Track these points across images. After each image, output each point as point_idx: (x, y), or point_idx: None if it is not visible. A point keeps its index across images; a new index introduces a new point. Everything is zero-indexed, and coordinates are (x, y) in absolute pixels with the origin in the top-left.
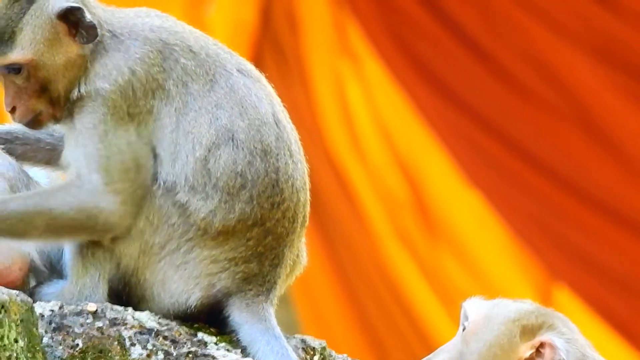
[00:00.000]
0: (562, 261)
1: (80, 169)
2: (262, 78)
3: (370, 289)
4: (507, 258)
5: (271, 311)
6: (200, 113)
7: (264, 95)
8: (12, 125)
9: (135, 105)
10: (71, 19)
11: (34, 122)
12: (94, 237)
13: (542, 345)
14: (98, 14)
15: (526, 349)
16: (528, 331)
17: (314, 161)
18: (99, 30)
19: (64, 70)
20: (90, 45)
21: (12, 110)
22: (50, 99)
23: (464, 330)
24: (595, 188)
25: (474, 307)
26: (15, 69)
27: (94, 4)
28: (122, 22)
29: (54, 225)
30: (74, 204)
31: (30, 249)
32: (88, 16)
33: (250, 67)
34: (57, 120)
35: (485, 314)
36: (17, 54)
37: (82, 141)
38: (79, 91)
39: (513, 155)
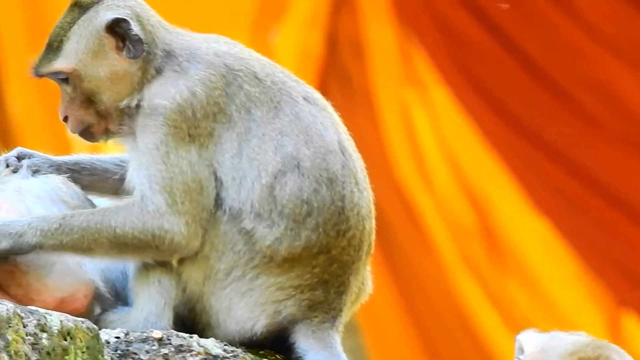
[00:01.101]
0: (630, 288)
1: (144, 191)
2: (328, 106)
3: (437, 317)
4: (575, 286)
5: (337, 338)
6: (263, 140)
7: (329, 123)
8: (80, 156)
9: (195, 127)
10: (118, 31)
11: (86, 134)
12: (160, 257)
13: None
14: (155, 32)
15: None
16: None
17: (381, 189)
18: (152, 47)
19: (109, 84)
20: (141, 62)
21: (65, 119)
22: (97, 111)
23: None
24: None
25: (530, 340)
26: (63, 78)
27: (153, 21)
28: (185, 45)
29: (117, 243)
30: (137, 225)
31: (95, 276)
32: (135, 29)
33: (316, 95)
34: (111, 134)
35: (541, 347)
36: (61, 63)
37: (145, 162)
38: (132, 107)
39: (580, 183)
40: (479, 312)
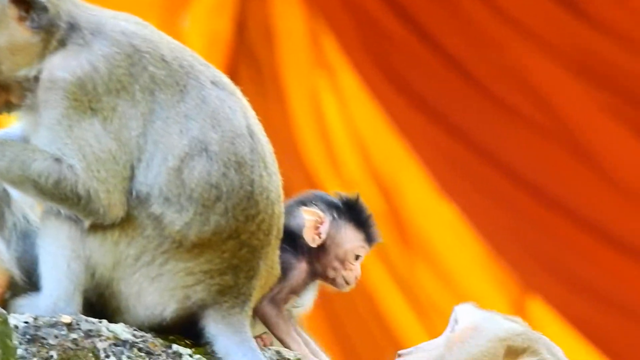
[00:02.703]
0: (536, 273)
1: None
2: (237, 91)
3: (345, 300)
4: (481, 270)
5: (246, 323)
6: (168, 123)
7: (238, 107)
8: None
9: (97, 101)
10: (23, 0)
11: None
12: (83, 216)
13: None
14: (60, 3)
15: None
16: (512, 353)
17: (290, 174)
18: (56, 19)
19: (8, 54)
20: (43, 34)
21: None
22: None
23: (450, 332)
24: (571, 200)
25: (466, 315)
26: None
27: None
28: (92, 19)
29: (38, 189)
30: (55, 178)
31: (12, 265)
32: None
33: (225, 79)
34: (13, 107)
35: (475, 325)
36: None
37: (49, 138)
38: (31, 79)
39: (488, 168)
40: (386, 296)
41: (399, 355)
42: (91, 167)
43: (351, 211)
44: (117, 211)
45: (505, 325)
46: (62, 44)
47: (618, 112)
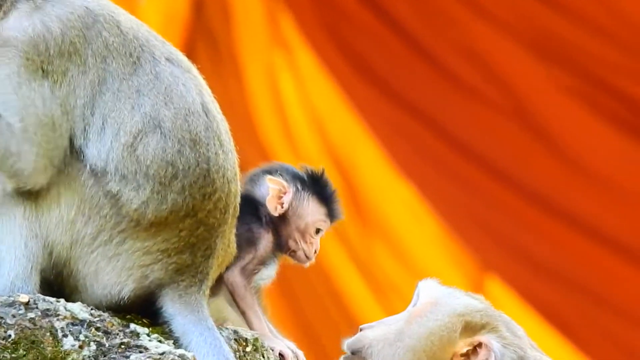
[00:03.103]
0: (493, 251)
1: None
2: (193, 68)
3: (303, 279)
4: (439, 248)
5: (204, 302)
6: (119, 97)
7: (192, 85)
8: None
9: (49, 62)
10: None
11: None
12: (2, 171)
13: (479, 345)
14: None
15: (463, 346)
16: (470, 329)
17: (247, 152)
18: None
19: None
20: None
21: None
22: None
23: (412, 307)
24: (529, 179)
25: (428, 289)
26: None
27: None
28: None
29: None
30: None
31: None
32: None
33: (181, 57)
34: None
35: (435, 299)
36: None
37: None
38: None
39: (445, 147)
40: (343, 273)
41: (361, 329)
42: (29, 129)
43: (316, 185)
44: (40, 177)
45: (464, 301)
46: (15, 5)
47: (575, 91)
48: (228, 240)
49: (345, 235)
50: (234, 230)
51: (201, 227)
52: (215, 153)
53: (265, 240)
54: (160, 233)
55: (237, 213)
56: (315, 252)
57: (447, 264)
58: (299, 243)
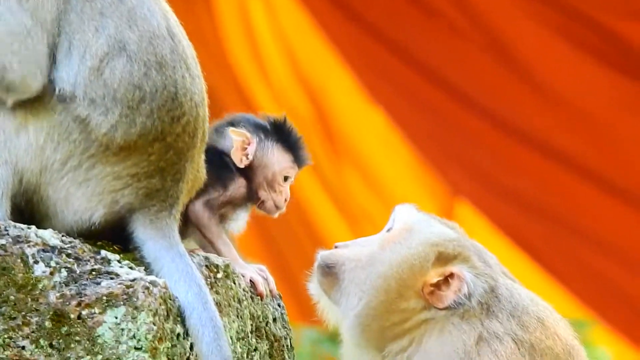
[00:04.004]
0: (464, 178)
1: None
2: None
3: None
4: (410, 175)
5: (175, 227)
6: (82, 18)
7: (157, 9)
8: None
9: None
10: None
11: None
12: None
13: (451, 275)
14: None
15: (435, 275)
16: (443, 258)
17: (219, 83)
18: None
19: None
20: None
21: None
22: None
23: (387, 231)
24: (500, 109)
25: (404, 215)
26: None
27: None
28: None
29: None
30: None
31: None
32: None
33: None
34: None
35: (410, 226)
36: None
37: None
38: None
39: (417, 75)
40: (315, 202)
41: (336, 247)
42: (4, 40)
43: (279, 133)
44: (34, 83)
45: (438, 230)
46: None
47: (546, 19)
48: (197, 164)
49: (317, 163)
50: (203, 156)
51: (170, 151)
52: (182, 76)
53: (237, 184)
54: (129, 157)
55: (206, 138)
56: (286, 200)
57: (418, 190)
58: (268, 192)
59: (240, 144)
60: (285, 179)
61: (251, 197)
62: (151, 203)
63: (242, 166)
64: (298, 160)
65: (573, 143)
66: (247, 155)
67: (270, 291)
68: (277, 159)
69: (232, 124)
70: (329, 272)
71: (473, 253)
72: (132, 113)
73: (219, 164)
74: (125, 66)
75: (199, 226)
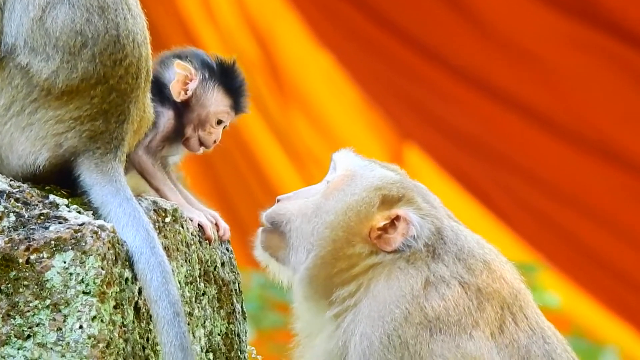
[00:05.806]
0: (412, 121)
1: None
2: None
3: (220, 149)
4: (358, 118)
5: (121, 170)
6: None
7: None
8: None
9: None
10: None
11: None
12: None
13: (397, 218)
14: None
15: (381, 219)
16: (387, 202)
17: (165, 23)
18: None
19: None
20: None
21: None
22: None
23: (329, 180)
24: (449, 52)
25: (344, 162)
26: None
27: None
28: None
29: None
30: None
31: None
32: None
33: None
34: None
35: (352, 172)
36: None
37: None
38: None
39: (363, 17)
40: (262, 145)
41: (278, 201)
42: None
43: (224, 75)
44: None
45: (380, 173)
46: None
47: None
48: (143, 105)
49: (264, 105)
50: (150, 95)
51: (113, 93)
52: (124, 18)
53: (166, 118)
54: (71, 101)
55: (150, 77)
56: (215, 142)
57: (367, 133)
58: (196, 131)
59: (182, 78)
60: (219, 122)
61: (178, 132)
62: (95, 146)
63: (178, 100)
64: (237, 106)
65: (523, 87)
66: (186, 90)
67: (220, 237)
68: (215, 100)
69: (180, 56)
70: (276, 230)
71: (417, 194)
72: (74, 58)
73: (155, 95)
74: (67, 13)
75: (144, 175)
